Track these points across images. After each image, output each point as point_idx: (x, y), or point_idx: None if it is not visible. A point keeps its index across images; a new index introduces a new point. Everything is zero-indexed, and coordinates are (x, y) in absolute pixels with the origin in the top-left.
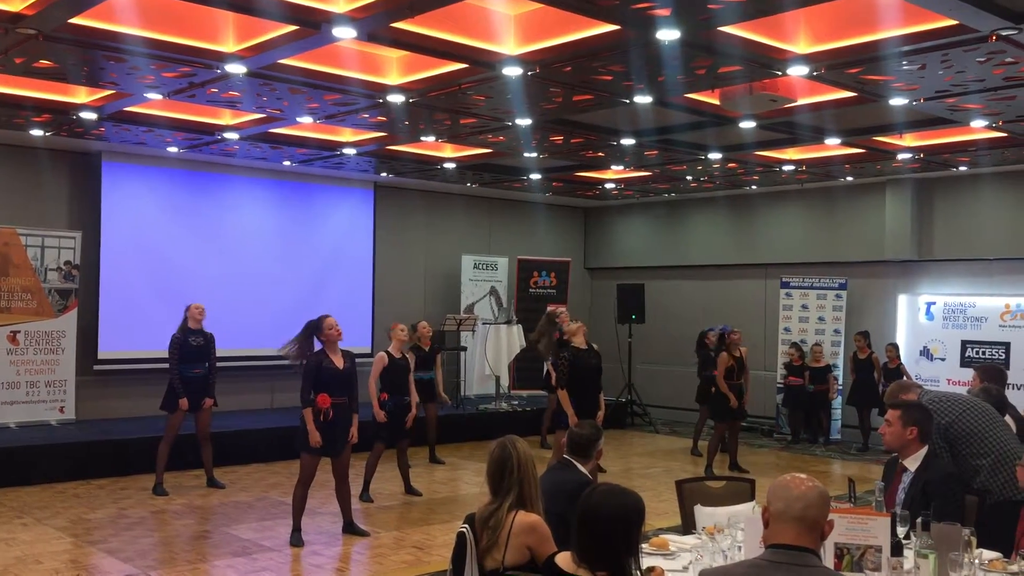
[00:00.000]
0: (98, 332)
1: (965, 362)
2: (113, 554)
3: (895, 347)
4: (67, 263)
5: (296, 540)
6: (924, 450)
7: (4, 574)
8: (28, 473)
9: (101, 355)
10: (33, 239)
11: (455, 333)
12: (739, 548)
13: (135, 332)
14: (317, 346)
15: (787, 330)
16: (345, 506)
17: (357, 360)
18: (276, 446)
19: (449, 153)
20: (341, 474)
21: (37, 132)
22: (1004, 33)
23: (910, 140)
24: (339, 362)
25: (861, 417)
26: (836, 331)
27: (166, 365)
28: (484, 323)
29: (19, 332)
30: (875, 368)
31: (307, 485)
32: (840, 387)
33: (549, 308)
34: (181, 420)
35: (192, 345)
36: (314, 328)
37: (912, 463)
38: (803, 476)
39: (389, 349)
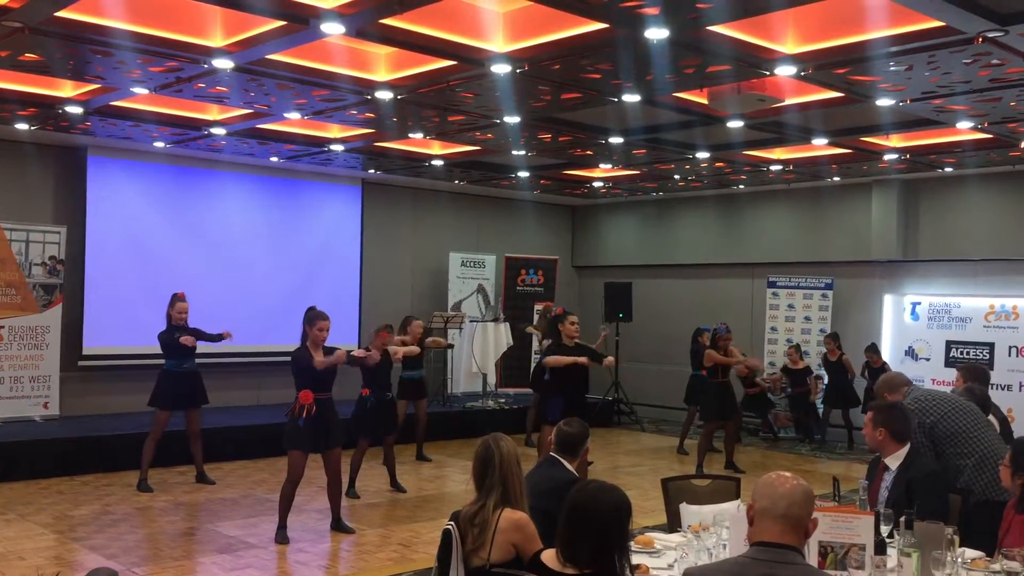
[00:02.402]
0: (83, 327)
1: (949, 362)
2: (97, 550)
3: (874, 347)
4: (52, 258)
5: (281, 537)
6: (904, 449)
7: None
8: (11, 469)
9: (86, 351)
10: (18, 233)
11: (442, 330)
12: (724, 546)
13: (120, 328)
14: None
15: (774, 329)
16: (335, 503)
17: None
18: (262, 443)
19: (437, 150)
20: (333, 470)
21: (22, 126)
22: (990, 35)
23: (897, 141)
24: (320, 355)
25: (845, 417)
26: (822, 331)
27: (150, 361)
28: (471, 321)
29: (3, 327)
30: (847, 369)
31: (296, 483)
32: (824, 387)
33: (547, 305)
34: (168, 417)
35: (178, 341)
36: (307, 319)
37: (893, 462)
38: (788, 474)
39: (370, 347)
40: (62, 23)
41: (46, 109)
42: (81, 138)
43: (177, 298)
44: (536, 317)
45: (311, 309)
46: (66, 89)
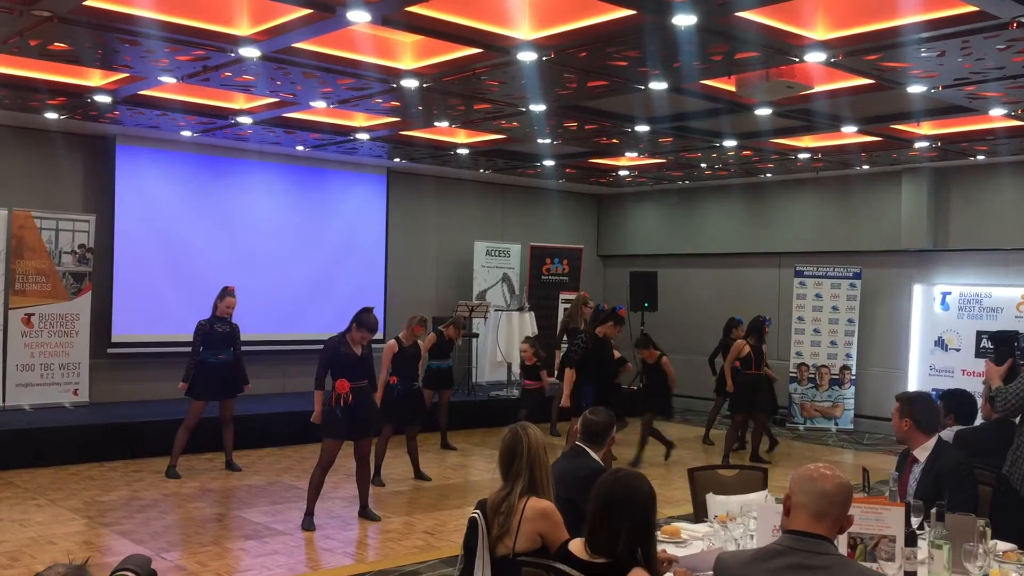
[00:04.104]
0: (112, 315)
1: (980, 353)
2: (126, 536)
3: (645, 340)
4: (81, 246)
5: (308, 524)
6: (932, 440)
7: (18, 555)
8: (42, 455)
9: (115, 338)
10: (48, 222)
11: (467, 319)
12: (751, 536)
13: (149, 315)
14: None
15: (800, 319)
16: (363, 489)
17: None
18: (288, 430)
19: (462, 139)
20: (362, 456)
21: (52, 115)
22: None
23: (927, 128)
24: (357, 349)
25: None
26: (850, 320)
27: (179, 348)
28: (496, 310)
29: (33, 315)
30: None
31: (326, 470)
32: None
33: (583, 295)
34: (203, 407)
35: (217, 332)
36: (357, 319)
37: (921, 453)
38: (828, 471)
39: (400, 336)
40: (91, 12)
41: (75, 98)
42: (110, 127)
43: (227, 292)
44: (562, 308)
45: (367, 311)
46: (95, 78)
